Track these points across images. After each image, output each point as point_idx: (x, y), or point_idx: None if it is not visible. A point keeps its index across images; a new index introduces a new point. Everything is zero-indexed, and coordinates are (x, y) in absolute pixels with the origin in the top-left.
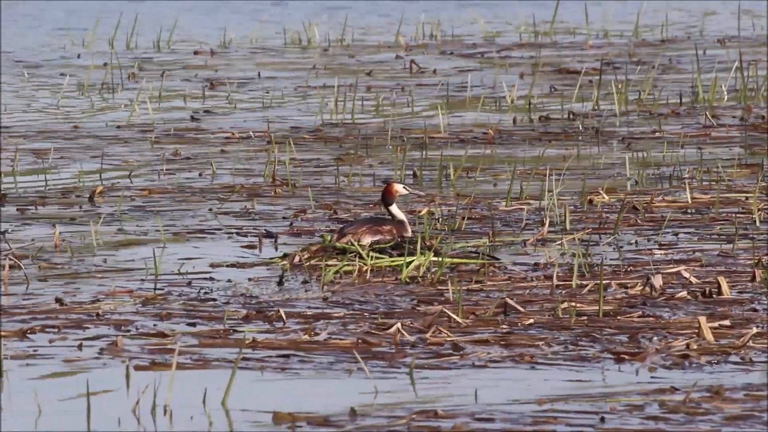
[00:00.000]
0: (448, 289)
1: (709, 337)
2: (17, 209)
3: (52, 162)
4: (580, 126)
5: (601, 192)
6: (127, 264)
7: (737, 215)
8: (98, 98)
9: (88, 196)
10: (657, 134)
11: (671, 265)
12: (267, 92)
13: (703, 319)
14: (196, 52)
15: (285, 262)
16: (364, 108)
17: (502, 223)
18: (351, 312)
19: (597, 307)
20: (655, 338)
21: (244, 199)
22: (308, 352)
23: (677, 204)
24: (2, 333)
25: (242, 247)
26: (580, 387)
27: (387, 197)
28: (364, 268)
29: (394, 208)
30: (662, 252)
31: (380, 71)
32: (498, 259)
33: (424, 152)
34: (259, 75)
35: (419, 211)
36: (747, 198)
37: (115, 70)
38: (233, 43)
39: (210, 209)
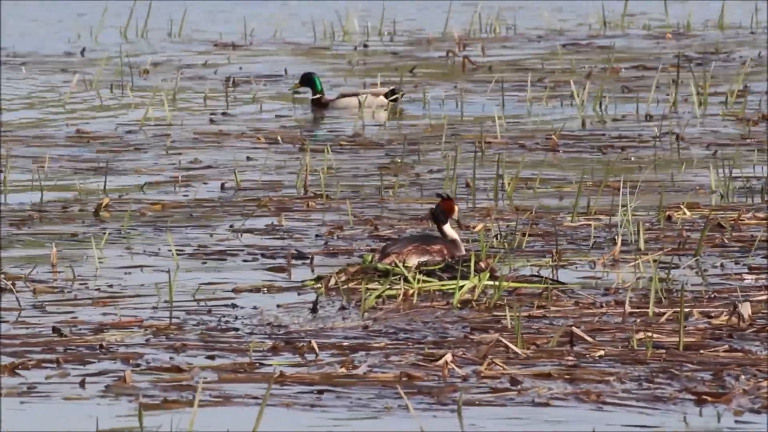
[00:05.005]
0: (505, 316)
1: None
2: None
3: (52, 170)
4: (657, 131)
5: (681, 207)
6: (135, 289)
7: None
8: (108, 97)
9: (93, 210)
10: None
11: (762, 292)
12: (296, 92)
13: None
14: (216, 44)
15: (319, 286)
16: (409, 110)
17: (567, 240)
18: (394, 342)
19: (676, 339)
20: (743, 377)
21: (271, 214)
22: (344, 387)
23: None
24: None
25: (269, 270)
26: None
27: (444, 215)
28: (410, 292)
29: (447, 228)
30: (752, 277)
31: (427, 68)
32: (563, 282)
33: (478, 159)
34: (285, 72)
35: (473, 227)
36: None
37: (125, 67)
38: (255, 35)
39: (231, 226)
